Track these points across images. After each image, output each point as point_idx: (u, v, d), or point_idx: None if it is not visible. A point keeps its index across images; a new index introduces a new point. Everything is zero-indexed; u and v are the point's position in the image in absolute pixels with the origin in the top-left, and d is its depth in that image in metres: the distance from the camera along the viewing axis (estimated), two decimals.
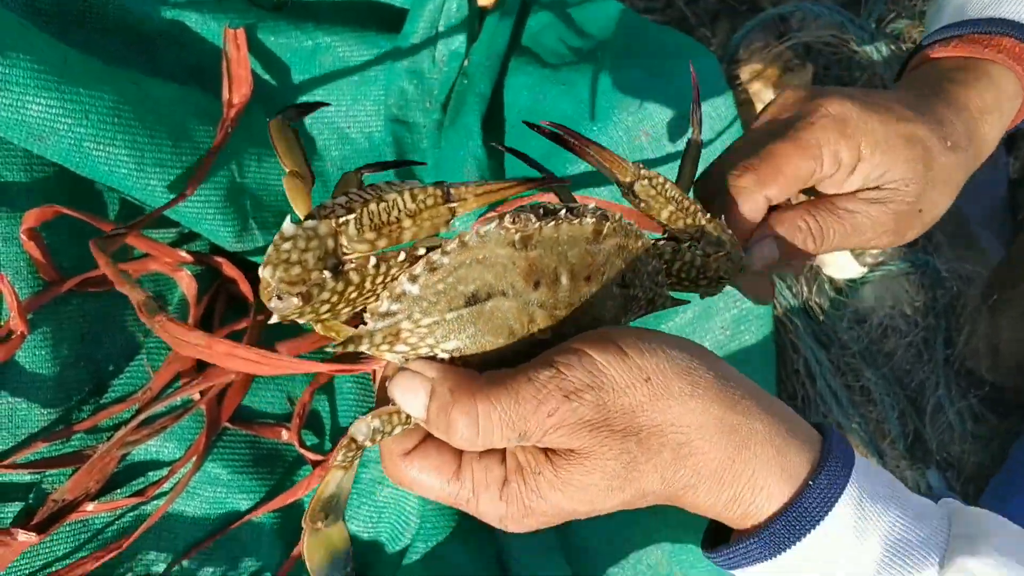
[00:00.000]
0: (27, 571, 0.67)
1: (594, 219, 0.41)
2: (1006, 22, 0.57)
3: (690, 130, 0.50)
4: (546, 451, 0.40)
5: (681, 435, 0.40)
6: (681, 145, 0.76)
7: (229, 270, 0.78)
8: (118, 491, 0.72)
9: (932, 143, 0.52)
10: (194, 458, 0.72)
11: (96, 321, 0.73)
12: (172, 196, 0.70)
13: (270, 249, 0.38)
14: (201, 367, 0.75)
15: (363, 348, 0.40)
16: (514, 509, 0.40)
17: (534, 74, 0.79)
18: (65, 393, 0.70)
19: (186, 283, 0.76)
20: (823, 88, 0.53)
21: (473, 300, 0.39)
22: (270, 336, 0.78)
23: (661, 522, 0.84)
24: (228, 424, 0.74)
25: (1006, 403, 0.91)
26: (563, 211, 0.40)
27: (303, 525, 0.43)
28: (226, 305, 0.79)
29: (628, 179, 0.46)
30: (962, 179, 0.55)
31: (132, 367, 0.74)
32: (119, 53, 0.72)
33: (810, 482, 0.41)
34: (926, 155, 0.52)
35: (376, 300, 0.40)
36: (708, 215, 0.47)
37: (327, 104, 0.51)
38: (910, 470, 0.87)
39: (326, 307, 0.39)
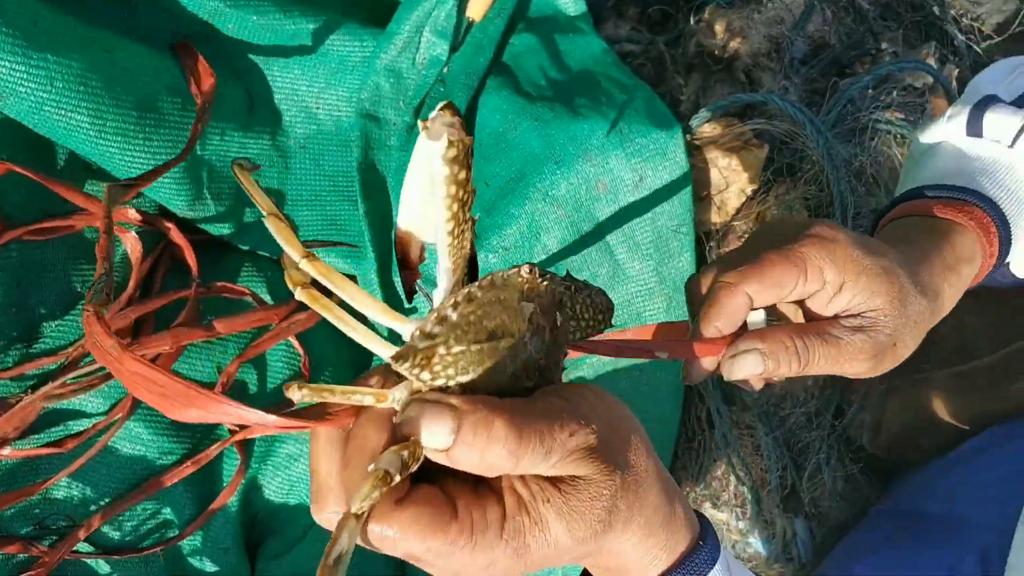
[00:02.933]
0: None
1: (563, 288, 0.46)
2: (979, 195, 0.61)
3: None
4: (552, 481, 0.42)
5: (639, 477, 0.43)
6: (629, 199, 0.79)
7: (176, 236, 0.78)
8: (36, 436, 0.74)
9: (907, 284, 0.54)
10: (118, 416, 0.74)
11: (34, 269, 0.73)
12: (130, 162, 0.70)
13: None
14: (136, 331, 0.76)
15: (405, 367, 0.40)
16: (512, 547, 0.40)
17: (508, 99, 0.80)
18: None
19: (131, 244, 0.77)
20: (817, 219, 0.56)
21: (493, 336, 0.42)
22: (209, 308, 0.80)
23: None
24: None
25: (876, 472, 1.00)
26: (548, 273, 0.44)
27: None
28: (168, 268, 0.80)
29: None
30: (926, 327, 0.57)
31: (67, 320, 0.75)
32: (96, 11, 0.70)
33: (698, 545, 0.46)
34: (902, 292, 0.54)
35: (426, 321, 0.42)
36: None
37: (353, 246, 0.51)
38: (780, 517, 0.96)
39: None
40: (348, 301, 0.43)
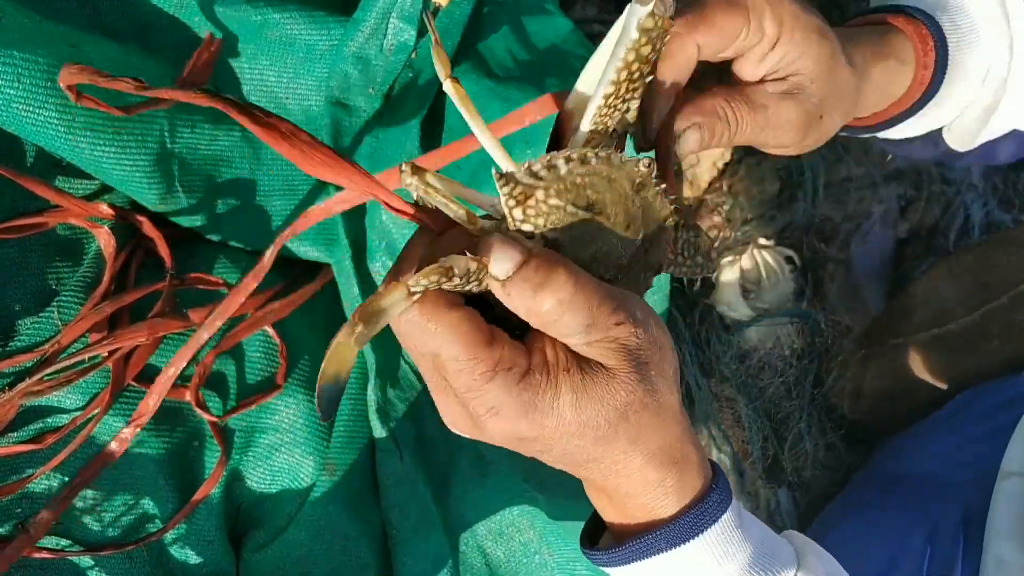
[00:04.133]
0: None
1: (670, 209, 0.47)
2: (920, 11, 0.62)
3: None
4: (577, 357, 0.43)
5: (659, 405, 0.44)
6: None
7: (149, 230, 0.79)
8: (13, 434, 0.74)
9: (837, 48, 0.54)
10: (96, 411, 0.75)
11: (7, 268, 0.73)
12: (100, 157, 0.70)
13: None
14: (112, 327, 0.76)
15: (504, 191, 0.42)
16: (521, 401, 0.41)
17: (478, 82, 0.81)
18: None
19: (104, 239, 0.77)
20: None
21: (590, 207, 0.43)
22: (184, 300, 0.80)
23: (535, 506, 0.91)
24: (133, 383, 0.76)
25: (857, 437, 1.01)
26: (663, 185, 0.46)
27: (348, 322, 0.40)
28: (142, 262, 0.80)
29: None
30: (851, 103, 0.57)
31: (43, 317, 0.74)
32: (60, 7, 0.70)
33: (711, 488, 0.48)
34: (833, 58, 0.53)
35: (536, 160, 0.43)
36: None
37: None
38: (764, 488, 0.97)
39: (636, 66, 0.43)
40: (472, 126, 0.46)
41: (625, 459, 0.45)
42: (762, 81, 0.54)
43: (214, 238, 0.83)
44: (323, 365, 0.40)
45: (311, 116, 0.84)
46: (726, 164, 0.88)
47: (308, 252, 0.85)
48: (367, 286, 0.83)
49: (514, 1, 0.87)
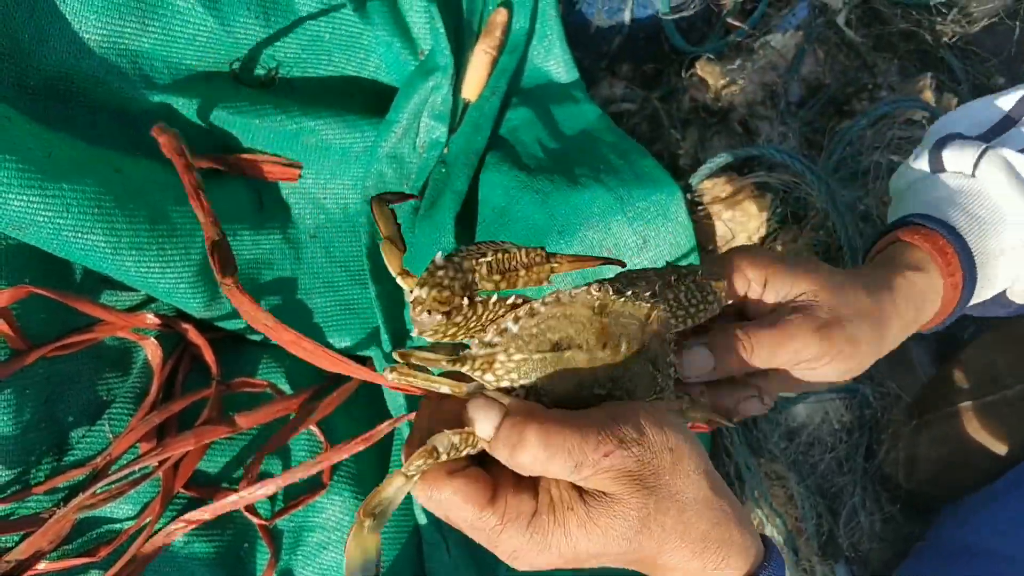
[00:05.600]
0: None
1: (648, 304, 0.49)
2: (930, 217, 0.64)
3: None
4: (580, 491, 0.45)
5: (683, 503, 0.45)
6: (634, 262, 0.80)
7: (194, 337, 0.80)
8: (69, 547, 0.75)
9: (832, 272, 0.58)
10: (148, 519, 0.75)
11: (61, 383, 0.75)
12: (146, 273, 0.72)
13: (424, 275, 0.45)
14: (161, 435, 0.77)
15: (465, 369, 0.47)
16: (535, 541, 0.44)
17: (509, 174, 0.81)
18: (25, 454, 0.73)
19: (151, 350, 0.78)
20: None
21: (556, 347, 0.47)
22: (230, 405, 0.81)
23: None
24: (182, 490, 0.77)
25: (916, 508, 0.98)
26: (629, 291, 0.49)
27: (356, 518, 0.46)
28: (189, 370, 0.82)
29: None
30: (881, 322, 0.59)
31: (95, 429, 0.76)
32: (103, 129, 0.72)
33: (763, 565, 0.48)
34: (830, 278, 0.58)
35: (483, 333, 0.48)
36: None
37: (417, 197, 0.56)
38: (820, 564, 0.94)
39: (453, 329, 0.46)
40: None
41: (662, 559, 0.46)
42: (777, 306, 0.58)
43: (256, 339, 0.85)
44: (346, 556, 0.45)
45: (349, 215, 0.86)
46: (762, 238, 0.88)
47: (350, 348, 0.86)
48: None
49: (542, 91, 0.89)
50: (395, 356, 0.48)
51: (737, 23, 0.99)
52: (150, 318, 0.79)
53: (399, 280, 0.47)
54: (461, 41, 0.87)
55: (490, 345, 0.47)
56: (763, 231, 0.88)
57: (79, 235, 0.66)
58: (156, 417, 0.76)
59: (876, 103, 0.93)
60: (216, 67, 0.80)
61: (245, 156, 0.80)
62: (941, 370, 0.95)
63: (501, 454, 0.44)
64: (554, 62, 0.90)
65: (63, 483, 0.74)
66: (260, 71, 0.81)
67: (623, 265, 0.54)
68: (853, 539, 0.94)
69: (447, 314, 0.45)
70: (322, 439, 0.82)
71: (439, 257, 0.45)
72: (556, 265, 0.48)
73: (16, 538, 0.72)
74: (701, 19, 0.99)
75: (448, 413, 0.47)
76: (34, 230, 0.64)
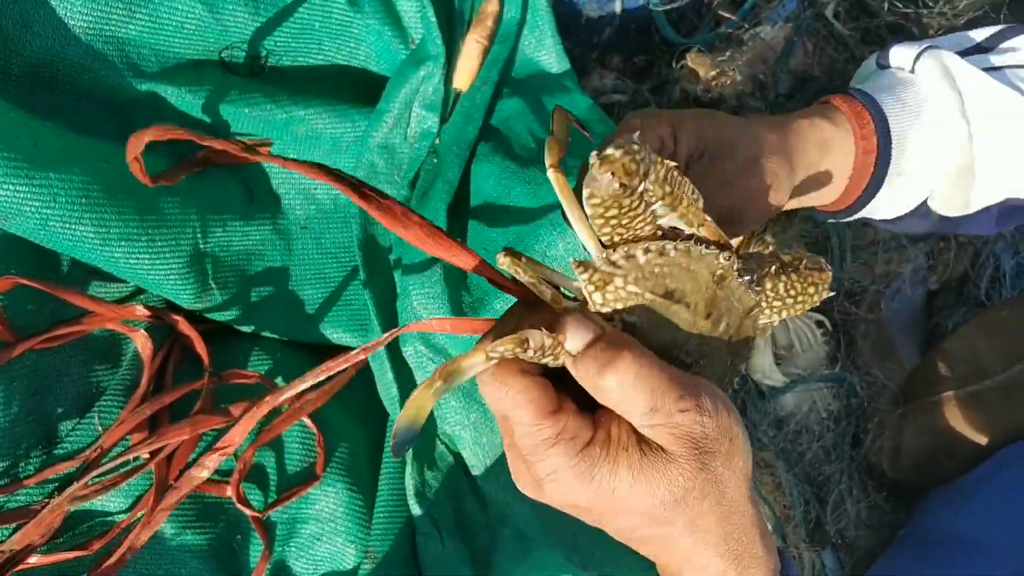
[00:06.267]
0: None
1: (758, 299, 0.49)
2: (859, 90, 0.67)
3: None
4: (639, 439, 0.44)
5: (723, 495, 0.45)
6: None
7: (185, 328, 0.79)
8: (60, 540, 0.74)
9: (741, 121, 0.61)
10: (140, 513, 0.75)
11: (49, 376, 0.74)
12: (135, 265, 0.71)
13: (623, 139, 0.42)
14: (152, 427, 0.77)
15: (583, 276, 0.46)
16: (580, 470, 0.43)
17: (501, 164, 0.81)
18: (13, 447, 0.72)
19: (141, 342, 0.78)
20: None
21: (669, 295, 0.46)
22: (221, 395, 0.81)
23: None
24: (174, 482, 0.77)
25: (901, 496, 1.00)
26: (747, 278, 0.48)
27: (427, 379, 0.44)
28: (179, 362, 0.81)
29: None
30: (779, 150, 0.61)
31: (85, 422, 0.75)
32: (91, 118, 0.71)
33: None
34: (732, 123, 0.60)
35: (611, 245, 0.46)
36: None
37: None
38: (808, 551, 0.96)
39: (612, 212, 0.44)
40: (569, 215, 0.47)
41: (685, 544, 0.45)
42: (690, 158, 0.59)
43: (247, 330, 0.84)
44: (402, 411, 0.44)
45: (340, 205, 0.85)
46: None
47: (342, 339, 0.86)
48: (401, 371, 0.83)
49: (533, 81, 0.88)
50: (503, 254, 0.47)
51: (727, 15, 1.00)
52: (140, 310, 0.78)
53: (551, 173, 0.47)
54: (452, 30, 0.86)
55: (614, 264, 0.45)
56: None
57: (67, 225, 0.65)
58: (147, 409, 0.75)
59: None
60: (205, 55, 0.79)
61: (213, 147, 0.78)
62: (925, 359, 0.96)
63: (588, 370, 0.43)
64: (545, 52, 0.90)
65: (53, 476, 0.73)
66: (249, 60, 0.80)
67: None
68: (840, 526, 0.95)
69: (623, 188, 0.42)
70: (315, 430, 0.82)
71: (636, 136, 0.43)
72: (704, 228, 0.47)
73: (7, 530, 0.71)
74: (691, 10, 1.00)
75: (540, 323, 0.45)
76: (20, 220, 0.63)
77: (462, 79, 0.84)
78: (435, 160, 0.83)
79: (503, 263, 0.46)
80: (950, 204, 0.73)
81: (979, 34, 0.77)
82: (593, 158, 0.42)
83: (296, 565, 0.82)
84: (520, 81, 0.89)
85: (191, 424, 0.76)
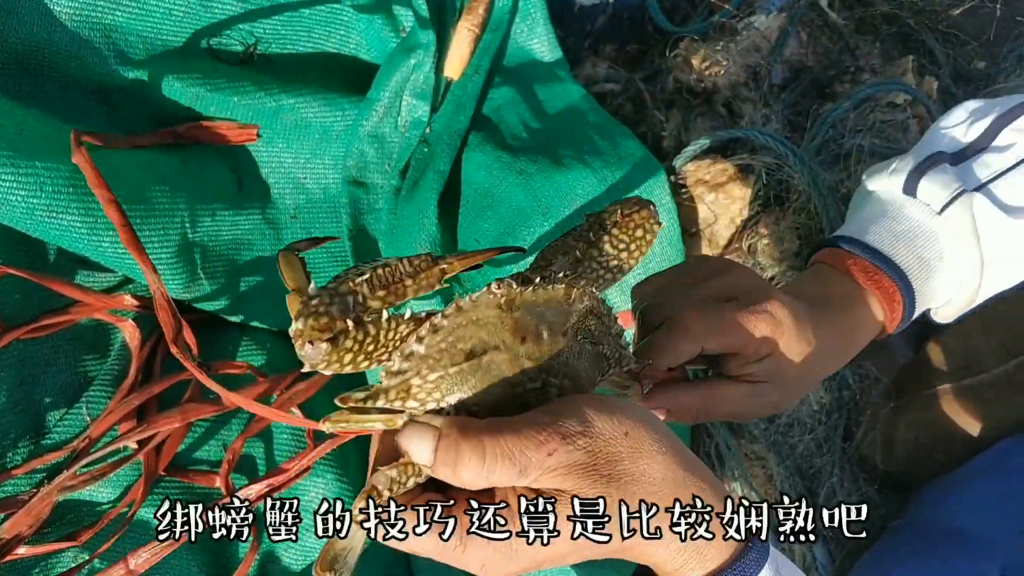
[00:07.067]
0: None
1: (564, 285, 0.47)
2: (891, 264, 0.65)
3: None
4: (537, 493, 0.43)
5: (650, 486, 0.44)
6: None
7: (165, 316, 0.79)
8: (48, 531, 0.74)
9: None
10: (131, 503, 0.75)
11: (37, 366, 0.74)
12: (123, 254, 0.71)
13: (298, 307, 0.42)
14: (141, 416, 0.76)
15: (380, 404, 0.45)
16: (500, 552, 0.42)
17: (492, 154, 0.81)
18: (1, 437, 0.71)
19: (129, 332, 0.77)
20: (770, 288, 0.59)
21: (471, 355, 0.45)
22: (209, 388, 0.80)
23: None
24: (164, 473, 0.77)
25: (893, 489, 0.99)
26: (537, 279, 0.47)
27: (313, 573, 0.44)
28: (167, 352, 0.80)
29: None
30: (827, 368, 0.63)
31: (73, 412, 0.75)
32: (77, 106, 0.71)
33: (748, 547, 0.46)
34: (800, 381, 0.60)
35: (388, 360, 0.45)
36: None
37: (336, 238, 0.54)
38: (799, 544, 0.95)
39: (349, 356, 0.43)
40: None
41: (635, 544, 0.45)
42: (738, 379, 0.59)
43: (236, 320, 0.84)
44: None
45: (329, 195, 0.85)
46: (744, 220, 0.88)
47: None
48: None
49: (525, 70, 0.88)
50: (336, 402, 0.46)
51: (721, 4, 0.99)
52: (128, 299, 0.78)
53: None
54: (443, 18, 0.86)
55: (400, 372, 0.44)
56: (745, 213, 0.88)
57: (54, 215, 0.65)
58: (136, 399, 0.75)
59: (858, 86, 0.93)
60: (193, 42, 0.78)
61: (200, 124, 0.77)
62: (919, 353, 0.96)
63: (444, 476, 0.43)
64: (537, 41, 0.89)
65: (41, 465, 0.73)
66: (238, 47, 0.79)
67: (523, 251, 0.53)
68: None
69: (332, 341, 0.42)
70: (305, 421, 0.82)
71: (312, 287, 0.43)
72: (447, 267, 0.47)
73: None
74: None
75: (388, 445, 0.45)
76: (7, 209, 0.63)
77: (453, 68, 0.84)
78: (426, 149, 0.83)
79: (326, 428, 0.46)
80: (947, 316, 0.74)
81: (992, 111, 0.71)
82: (297, 346, 0.42)
83: (285, 555, 0.82)
84: (512, 70, 0.88)
85: (181, 413, 0.76)
